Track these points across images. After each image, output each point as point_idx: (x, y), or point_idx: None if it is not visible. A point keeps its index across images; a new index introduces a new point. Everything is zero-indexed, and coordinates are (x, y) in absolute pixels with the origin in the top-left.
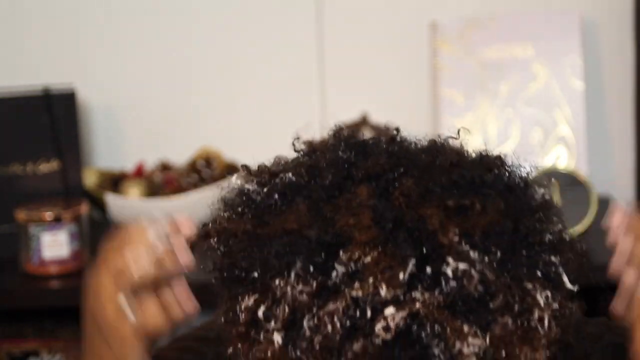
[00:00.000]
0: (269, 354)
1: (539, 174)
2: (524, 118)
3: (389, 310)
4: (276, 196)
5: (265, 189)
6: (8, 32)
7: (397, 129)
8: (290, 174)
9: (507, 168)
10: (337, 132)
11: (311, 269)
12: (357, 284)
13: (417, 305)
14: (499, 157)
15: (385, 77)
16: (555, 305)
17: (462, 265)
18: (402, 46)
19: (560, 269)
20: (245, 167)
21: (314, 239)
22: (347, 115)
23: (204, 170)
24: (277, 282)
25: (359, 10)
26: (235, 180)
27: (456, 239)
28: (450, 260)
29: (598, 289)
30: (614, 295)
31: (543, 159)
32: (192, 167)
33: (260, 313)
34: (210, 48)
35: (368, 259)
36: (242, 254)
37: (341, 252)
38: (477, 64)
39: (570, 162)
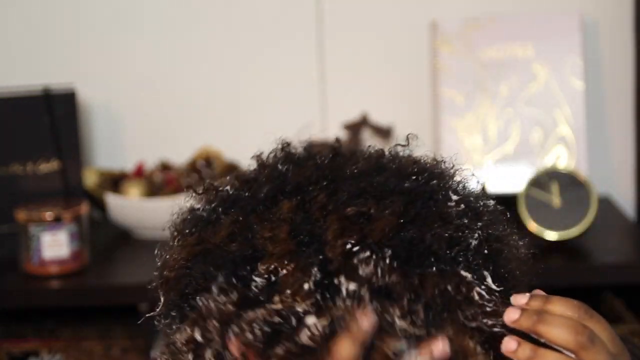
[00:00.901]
0: None
1: (540, 174)
2: (524, 118)
3: (311, 320)
4: (219, 210)
5: (210, 205)
6: (8, 32)
7: (338, 141)
8: (228, 187)
9: (426, 175)
10: (283, 146)
11: (233, 280)
12: (275, 297)
13: (335, 311)
14: (418, 163)
15: (385, 77)
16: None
17: (351, 286)
18: (402, 46)
19: (485, 272)
20: (193, 189)
21: (236, 253)
22: (347, 115)
23: (204, 170)
24: (202, 300)
25: (359, 10)
26: (184, 202)
27: (348, 248)
28: (342, 279)
29: (598, 289)
30: (614, 295)
31: (543, 159)
32: (192, 167)
33: (197, 335)
34: (211, 48)
35: (283, 271)
36: (186, 279)
37: (259, 265)
38: (477, 64)
39: (570, 162)
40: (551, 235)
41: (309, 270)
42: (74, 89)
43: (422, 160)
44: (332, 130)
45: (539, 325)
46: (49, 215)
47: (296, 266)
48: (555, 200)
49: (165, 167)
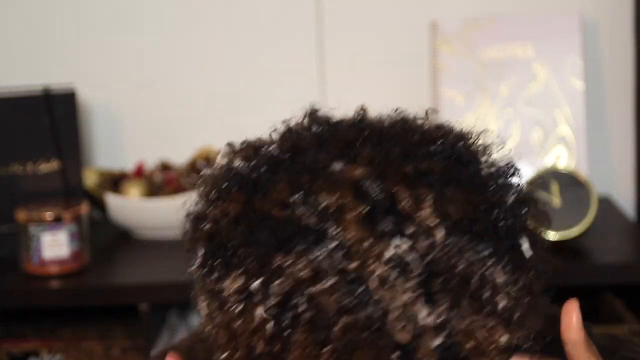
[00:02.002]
0: (255, 326)
1: (540, 174)
2: (524, 118)
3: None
4: (263, 169)
5: (251, 163)
6: (8, 32)
7: (363, 108)
8: (274, 147)
9: (453, 139)
10: (311, 111)
11: (305, 246)
12: (349, 264)
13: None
14: (442, 128)
15: (385, 77)
16: (514, 285)
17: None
18: (402, 46)
19: (523, 238)
20: (230, 144)
21: (304, 217)
22: (347, 115)
23: (204, 170)
24: (277, 258)
25: (359, 10)
26: (220, 158)
27: (429, 212)
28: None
29: (598, 289)
30: (614, 295)
31: (543, 159)
32: (192, 167)
33: (254, 286)
34: (211, 48)
35: (352, 235)
36: (234, 233)
37: (330, 229)
38: (477, 64)
39: (570, 162)
40: (551, 235)
41: (387, 238)
42: (74, 89)
43: (444, 126)
44: None
45: None
46: (49, 215)
47: (371, 231)
48: (555, 200)
49: (165, 167)
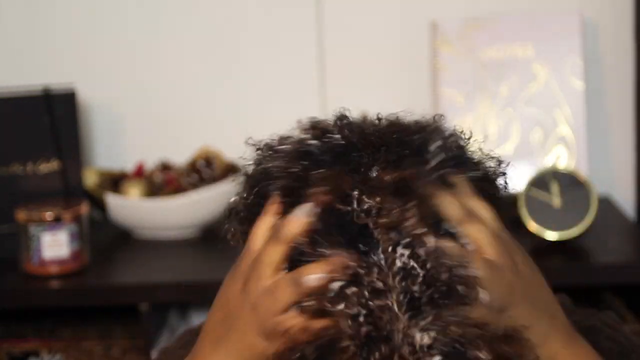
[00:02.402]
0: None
1: (540, 174)
2: (524, 118)
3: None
4: (327, 156)
5: (320, 142)
6: (8, 32)
7: (379, 117)
8: (340, 136)
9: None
10: (340, 116)
11: (368, 247)
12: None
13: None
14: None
15: (385, 77)
16: None
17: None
18: (402, 46)
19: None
20: (300, 122)
21: (362, 217)
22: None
23: (204, 170)
24: (351, 259)
25: (359, 10)
26: (291, 132)
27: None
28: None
29: (598, 289)
30: (614, 295)
31: (543, 159)
32: (192, 167)
33: (332, 287)
34: (211, 48)
35: (384, 243)
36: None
37: (375, 232)
38: (477, 64)
39: (570, 162)
40: (551, 235)
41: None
42: (74, 89)
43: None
44: None
45: None
46: (49, 215)
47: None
48: (555, 200)
49: (165, 167)
